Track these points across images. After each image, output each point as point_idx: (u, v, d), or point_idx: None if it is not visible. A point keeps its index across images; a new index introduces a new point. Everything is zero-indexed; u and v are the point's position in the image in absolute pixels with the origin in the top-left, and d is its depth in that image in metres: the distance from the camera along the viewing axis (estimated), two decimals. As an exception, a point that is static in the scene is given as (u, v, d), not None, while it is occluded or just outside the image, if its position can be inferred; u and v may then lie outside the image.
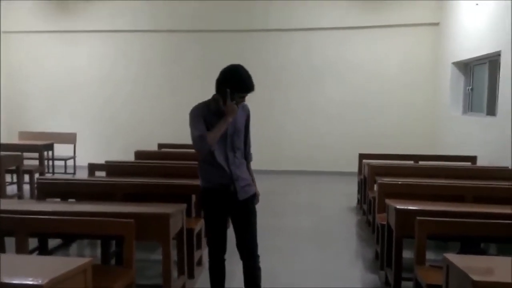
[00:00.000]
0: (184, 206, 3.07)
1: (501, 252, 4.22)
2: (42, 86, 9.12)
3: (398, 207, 3.02)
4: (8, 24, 8.92)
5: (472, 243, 3.23)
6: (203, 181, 2.69)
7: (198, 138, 2.51)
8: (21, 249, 2.51)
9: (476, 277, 1.75)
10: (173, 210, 2.80)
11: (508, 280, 1.80)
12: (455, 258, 2.03)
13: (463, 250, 3.21)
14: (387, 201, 3.41)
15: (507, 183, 4.07)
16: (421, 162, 5.82)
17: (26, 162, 6.53)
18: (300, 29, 8.40)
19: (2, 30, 8.95)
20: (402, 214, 2.98)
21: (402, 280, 3.08)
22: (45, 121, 9.03)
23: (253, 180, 2.78)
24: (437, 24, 7.95)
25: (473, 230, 2.65)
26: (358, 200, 6.11)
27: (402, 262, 3.07)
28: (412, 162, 5.86)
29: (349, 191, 6.66)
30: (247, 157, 2.80)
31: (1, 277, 1.73)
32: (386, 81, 8.28)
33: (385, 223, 3.51)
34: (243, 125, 2.71)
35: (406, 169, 4.96)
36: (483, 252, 2.89)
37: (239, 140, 2.67)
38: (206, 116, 2.59)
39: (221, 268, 2.74)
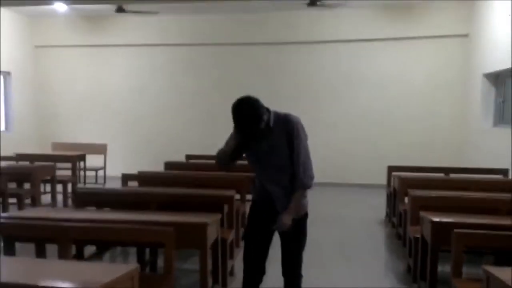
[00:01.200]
0: (219, 216, 3.15)
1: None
2: (72, 98, 9.45)
3: (434, 219, 3.02)
4: (41, 38, 9.34)
5: (507, 256, 3.18)
6: (253, 193, 2.72)
7: (219, 152, 2.58)
8: (64, 256, 2.60)
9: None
10: (210, 220, 2.88)
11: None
12: (495, 270, 2.03)
13: (498, 263, 3.16)
14: (422, 213, 3.40)
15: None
16: (451, 175, 5.76)
17: (59, 172, 6.72)
18: (325, 41, 8.49)
19: (35, 44, 9.39)
20: (438, 227, 2.98)
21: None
22: (76, 132, 9.34)
23: (290, 207, 2.50)
24: (466, 35, 7.90)
25: (510, 243, 2.62)
26: (387, 213, 6.06)
27: (437, 274, 3.06)
28: (442, 174, 5.80)
29: (377, 204, 6.61)
30: (295, 181, 2.49)
31: (54, 282, 1.81)
32: (415, 93, 8.27)
33: (418, 235, 3.49)
34: (282, 143, 2.47)
35: (437, 182, 4.94)
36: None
37: (278, 158, 2.49)
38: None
39: None
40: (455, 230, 2.66)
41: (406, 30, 8.13)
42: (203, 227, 2.75)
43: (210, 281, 3.15)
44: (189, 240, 2.73)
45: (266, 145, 2.48)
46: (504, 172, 5.61)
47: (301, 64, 8.63)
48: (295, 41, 8.57)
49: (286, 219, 2.48)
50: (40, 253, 3.12)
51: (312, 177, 2.53)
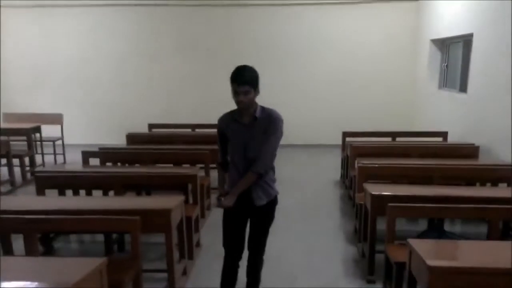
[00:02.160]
0: (182, 198, 3.37)
1: (465, 228, 4.72)
2: (21, 64, 8.99)
3: (373, 193, 3.39)
4: None
5: (437, 223, 3.64)
6: (227, 184, 2.81)
7: (218, 164, 2.88)
8: (31, 249, 2.71)
9: (431, 262, 2.12)
10: (175, 204, 3.10)
11: (462, 264, 2.18)
12: (416, 243, 2.40)
13: (430, 227, 3.63)
14: (365, 184, 3.78)
15: (470, 162, 4.52)
16: (398, 139, 6.23)
17: (14, 145, 6.59)
18: (283, 4, 8.46)
19: None
20: (376, 199, 3.36)
21: (376, 252, 3.50)
22: (29, 102, 8.97)
23: (236, 188, 2.66)
24: (417, 0, 8.15)
25: (437, 214, 3.03)
26: (342, 175, 6.52)
27: (376, 238, 3.48)
28: (390, 139, 6.26)
29: (334, 165, 7.02)
30: (253, 165, 2.65)
31: (23, 283, 1.92)
32: (371, 56, 8.55)
33: (362, 202, 3.89)
34: (261, 133, 2.64)
35: (383, 149, 5.39)
36: (442, 232, 3.28)
37: (256, 148, 2.66)
38: (227, 127, 2.71)
39: (233, 274, 2.84)
40: (389, 204, 3.03)
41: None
42: (167, 213, 2.96)
43: (176, 255, 3.43)
44: (154, 225, 2.95)
45: (248, 135, 2.65)
46: (444, 135, 6.13)
47: (260, 27, 8.64)
48: (250, 4, 8.51)
49: (229, 200, 2.66)
50: (5, 245, 3.20)
51: (268, 168, 2.73)
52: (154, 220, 2.93)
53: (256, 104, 2.68)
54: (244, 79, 2.54)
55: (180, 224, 3.35)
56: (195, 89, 8.78)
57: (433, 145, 5.56)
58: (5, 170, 6.39)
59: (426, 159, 4.78)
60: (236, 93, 2.56)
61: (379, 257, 3.41)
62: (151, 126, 7.24)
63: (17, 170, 6.48)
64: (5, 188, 6.17)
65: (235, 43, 8.67)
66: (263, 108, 2.70)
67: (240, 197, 2.69)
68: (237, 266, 2.85)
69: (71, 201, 3.63)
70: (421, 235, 3.22)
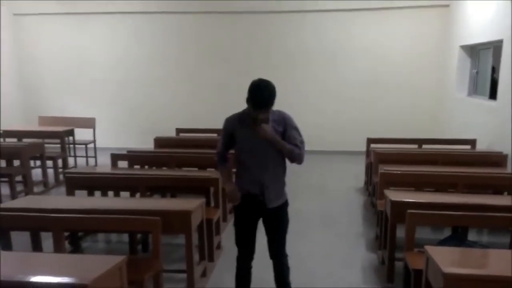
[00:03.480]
0: (203, 201, 3.45)
1: (493, 238, 4.59)
2: (57, 69, 9.33)
3: (392, 199, 3.37)
4: (20, 6, 9.04)
5: (461, 232, 3.57)
6: (235, 185, 2.82)
7: (216, 154, 2.91)
8: (58, 245, 2.85)
9: (447, 269, 2.11)
10: (195, 206, 3.18)
11: (478, 272, 2.16)
12: (433, 250, 2.38)
13: (451, 235, 3.56)
14: (385, 191, 3.76)
15: (498, 171, 4.40)
16: (424, 146, 6.13)
17: (48, 147, 6.85)
18: (311, 10, 8.49)
19: (13, 12, 9.13)
20: (396, 205, 3.33)
21: (396, 260, 3.47)
22: (63, 104, 9.32)
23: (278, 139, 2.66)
24: (447, 6, 8.03)
25: (458, 222, 2.99)
26: (365, 182, 6.47)
27: (396, 245, 3.45)
28: (416, 146, 6.17)
29: (358, 172, 6.98)
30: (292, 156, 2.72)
31: (47, 278, 2.03)
32: (396, 63, 8.46)
33: (383, 209, 3.86)
34: (278, 133, 2.69)
35: (409, 156, 5.32)
36: (462, 241, 3.22)
37: (271, 148, 2.68)
38: (236, 127, 2.74)
39: (247, 274, 2.91)
40: (408, 211, 3.00)
41: (388, 2, 8.21)
42: (187, 214, 3.05)
43: (196, 256, 3.52)
44: (175, 226, 3.04)
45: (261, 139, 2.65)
46: (472, 142, 5.98)
47: (287, 34, 8.68)
48: (275, 11, 8.57)
49: (267, 128, 2.62)
50: (35, 241, 3.37)
51: (301, 155, 2.75)
52: (175, 221, 3.02)
53: None
54: (265, 103, 2.56)
55: (201, 226, 3.43)
56: (222, 95, 8.91)
57: (460, 152, 5.45)
58: (39, 171, 6.69)
59: (452, 166, 4.69)
60: (255, 111, 2.59)
61: (400, 265, 3.39)
62: (178, 130, 7.40)
63: (50, 172, 6.76)
64: (39, 188, 6.44)
65: (262, 49, 8.76)
66: (272, 110, 2.72)
67: (252, 199, 2.74)
68: (250, 267, 2.91)
69: (97, 202, 3.79)
70: (441, 243, 3.16)
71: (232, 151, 2.90)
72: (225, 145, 2.86)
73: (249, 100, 2.59)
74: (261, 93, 2.56)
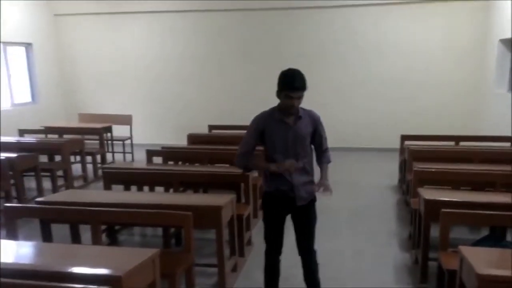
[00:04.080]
0: (234, 196, 3.51)
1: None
2: (96, 68, 9.64)
3: (426, 197, 3.30)
4: (60, 7, 9.40)
5: (499, 232, 3.45)
6: (265, 185, 2.88)
7: (238, 155, 2.87)
8: (96, 238, 2.98)
9: (480, 270, 2.05)
10: (225, 201, 3.24)
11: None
12: (467, 251, 2.32)
13: (487, 236, 3.45)
14: (419, 189, 3.68)
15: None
16: (461, 143, 5.94)
17: (87, 142, 7.14)
18: (345, 5, 8.39)
19: (54, 13, 9.49)
20: (429, 204, 3.26)
21: (429, 260, 3.39)
22: (102, 102, 9.66)
23: (324, 175, 2.86)
24: (486, -1, 7.75)
25: (495, 222, 2.89)
26: (399, 180, 6.34)
27: (429, 245, 3.38)
28: (453, 143, 5.99)
29: (392, 169, 6.85)
30: (322, 159, 2.92)
31: (84, 269, 2.14)
32: (431, 58, 8.24)
33: (417, 208, 3.79)
34: (308, 133, 2.78)
35: (444, 153, 5.16)
36: (499, 241, 3.11)
37: (302, 148, 2.76)
38: (267, 126, 2.75)
39: (276, 269, 2.95)
40: (442, 210, 2.94)
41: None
42: (218, 209, 3.11)
43: (227, 251, 3.58)
44: (206, 221, 3.11)
45: (294, 134, 2.74)
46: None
47: (321, 29, 8.61)
48: (306, 6, 8.51)
49: (327, 183, 2.82)
50: (74, 233, 3.54)
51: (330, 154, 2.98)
52: (206, 216, 3.09)
53: None
54: (300, 85, 2.63)
55: (231, 222, 3.49)
56: (252, 92, 8.93)
57: (499, 150, 5.23)
58: (78, 166, 6.97)
59: (490, 164, 4.52)
60: (289, 98, 2.64)
61: (433, 265, 3.32)
62: (211, 127, 7.50)
63: (89, 167, 7.03)
64: (78, 183, 6.71)
65: (293, 45, 8.71)
66: (302, 108, 2.80)
67: (282, 195, 2.78)
68: (278, 261, 2.95)
69: (132, 196, 3.91)
70: (476, 243, 3.07)
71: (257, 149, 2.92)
72: (253, 145, 2.87)
73: (283, 87, 2.65)
74: (294, 75, 2.63)
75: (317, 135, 2.85)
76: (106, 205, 3.13)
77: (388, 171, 6.96)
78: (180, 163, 5.44)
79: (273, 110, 2.79)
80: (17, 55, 8.91)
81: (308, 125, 2.78)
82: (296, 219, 2.88)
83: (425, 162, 4.70)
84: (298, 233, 2.89)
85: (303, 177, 2.79)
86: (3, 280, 1.93)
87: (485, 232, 4.31)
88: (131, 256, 2.32)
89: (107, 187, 4.33)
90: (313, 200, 2.88)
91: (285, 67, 2.73)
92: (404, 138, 6.23)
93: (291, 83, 2.61)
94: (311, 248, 2.91)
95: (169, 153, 5.45)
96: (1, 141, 6.13)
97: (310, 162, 2.85)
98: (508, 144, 5.76)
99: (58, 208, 3.13)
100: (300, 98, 2.67)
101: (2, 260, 2.21)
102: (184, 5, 8.98)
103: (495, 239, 3.17)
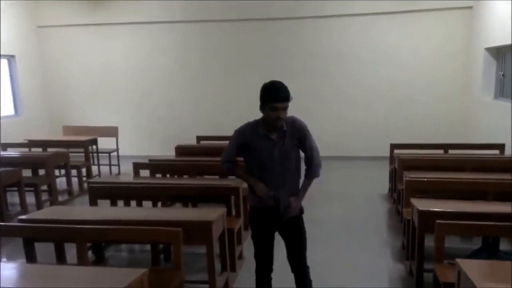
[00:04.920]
0: (224, 210, 3.42)
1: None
2: (80, 80, 9.50)
3: (420, 208, 3.25)
4: (44, 18, 9.26)
5: (492, 242, 3.42)
6: (250, 199, 2.81)
7: (222, 162, 2.83)
8: (82, 256, 2.87)
9: (481, 285, 2.00)
10: (216, 216, 3.15)
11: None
12: (465, 264, 2.27)
13: (482, 247, 3.41)
14: (412, 199, 3.64)
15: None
16: (450, 151, 5.95)
17: (72, 155, 6.96)
18: (331, 15, 8.42)
19: (37, 25, 9.33)
20: (423, 215, 3.22)
21: (424, 271, 3.34)
22: (86, 114, 9.50)
23: (301, 194, 2.75)
24: (470, 7, 7.84)
25: (490, 232, 2.86)
26: (389, 189, 6.32)
27: (424, 256, 3.33)
28: (442, 151, 6.00)
29: (381, 178, 6.84)
30: (309, 173, 2.77)
31: None
32: (419, 66, 8.30)
33: (410, 218, 3.74)
34: (292, 146, 2.69)
35: (434, 162, 5.15)
36: (495, 252, 3.08)
37: (288, 162, 2.69)
38: (252, 141, 2.67)
39: (267, 286, 2.88)
40: (437, 221, 2.89)
41: (410, 3, 8.07)
42: (208, 224, 3.02)
43: (218, 266, 3.48)
44: (196, 236, 3.01)
45: (279, 151, 2.66)
46: (501, 147, 5.78)
47: (308, 39, 8.62)
48: (301, 16, 8.52)
49: (297, 202, 2.72)
50: (59, 251, 3.39)
51: (320, 167, 2.81)
52: (196, 232, 2.99)
53: None
54: (285, 96, 2.55)
55: (222, 236, 3.39)
56: (240, 103, 8.87)
57: (489, 158, 5.25)
58: (63, 180, 6.80)
59: (481, 173, 4.52)
60: (275, 110, 2.55)
61: (428, 276, 3.27)
62: (199, 138, 7.42)
63: (74, 180, 6.86)
64: (63, 197, 6.54)
65: (283, 56, 8.70)
66: (286, 119, 2.68)
67: (268, 211, 2.71)
68: (270, 278, 2.88)
69: (119, 212, 3.79)
70: (472, 255, 3.04)
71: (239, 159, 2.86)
72: (236, 154, 2.81)
73: (267, 99, 2.56)
74: (277, 86, 2.57)
75: (307, 147, 2.73)
76: (92, 222, 3.02)
77: (378, 180, 6.94)
78: (168, 175, 5.33)
79: (257, 124, 2.71)
80: (-1, 67, 8.74)
81: (294, 137, 2.69)
82: (284, 234, 2.81)
83: (416, 171, 4.68)
84: (289, 249, 2.82)
85: (289, 193, 2.73)
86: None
87: (476, 240, 4.29)
88: (118, 277, 2.21)
89: (93, 202, 4.19)
90: (301, 212, 2.82)
91: (275, 79, 2.66)
92: (393, 146, 6.23)
93: (275, 94, 2.54)
94: (304, 264, 2.84)
95: (156, 166, 5.32)
96: (-17, 155, 5.95)
97: (296, 178, 2.78)
98: (496, 151, 5.79)
99: (42, 226, 3.01)
100: (285, 109, 2.58)
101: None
102: (172, 16, 8.93)
103: (491, 251, 3.13)
